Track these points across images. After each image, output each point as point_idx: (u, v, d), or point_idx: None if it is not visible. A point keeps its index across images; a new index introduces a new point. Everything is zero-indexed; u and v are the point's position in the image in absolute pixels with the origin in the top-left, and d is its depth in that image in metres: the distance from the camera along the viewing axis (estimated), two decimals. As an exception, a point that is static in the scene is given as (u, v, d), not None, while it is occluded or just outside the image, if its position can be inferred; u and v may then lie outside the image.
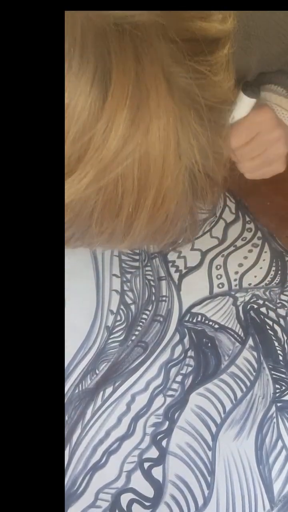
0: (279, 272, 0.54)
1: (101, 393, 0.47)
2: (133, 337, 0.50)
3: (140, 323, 0.51)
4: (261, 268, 0.54)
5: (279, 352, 0.49)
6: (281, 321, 0.51)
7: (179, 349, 0.49)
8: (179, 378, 0.48)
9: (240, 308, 0.52)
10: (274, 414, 0.46)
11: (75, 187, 0.28)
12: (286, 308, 0.52)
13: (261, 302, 0.52)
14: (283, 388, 0.47)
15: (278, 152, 0.49)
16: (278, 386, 0.47)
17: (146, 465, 0.44)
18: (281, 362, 0.48)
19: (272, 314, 0.51)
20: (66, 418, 0.46)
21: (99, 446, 0.45)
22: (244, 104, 0.45)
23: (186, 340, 0.50)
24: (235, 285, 0.53)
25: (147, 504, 0.42)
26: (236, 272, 0.54)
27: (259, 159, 0.49)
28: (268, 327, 0.50)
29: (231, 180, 0.59)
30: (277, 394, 0.47)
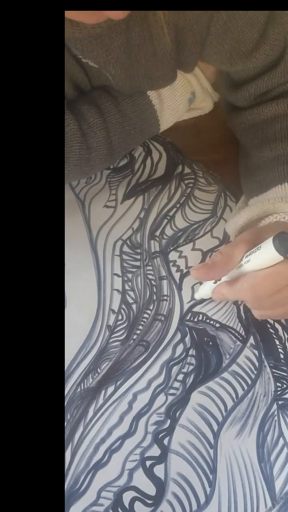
0: (280, 272, 0.54)
1: (103, 392, 0.47)
2: (135, 336, 0.50)
3: (142, 322, 0.51)
4: (262, 267, 0.54)
5: (280, 350, 0.49)
6: (282, 320, 0.51)
7: (180, 348, 0.50)
8: (180, 377, 0.48)
9: (241, 307, 0.52)
10: (276, 412, 0.46)
11: None
12: (287, 307, 0.52)
13: (262, 301, 0.52)
14: (284, 386, 0.47)
15: None
16: (280, 384, 0.47)
17: (148, 463, 0.44)
18: (282, 360, 0.49)
19: (273, 313, 0.51)
20: (68, 417, 0.46)
21: (101, 445, 0.45)
22: (272, 257, 0.40)
23: (187, 339, 0.50)
24: (236, 285, 0.53)
25: (149, 502, 0.42)
26: (237, 272, 0.54)
27: (281, 310, 0.45)
28: (269, 326, 0.51)
29: (231, 179, 0.59)
30: (279, 392, 0.47)
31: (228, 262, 0.44)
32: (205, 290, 0.49)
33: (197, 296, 0.52)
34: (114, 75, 0.49)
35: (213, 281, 0.47)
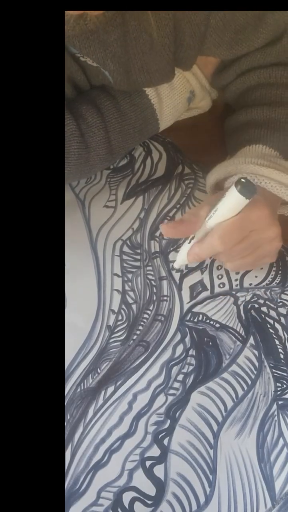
0: (280, 272, 0.54)
1: (103, 392, 0.47)
2: (135, 337, 0.50)
3: (142, 323, 0.51)
4: (261, 268, 0.54)
5: (280, 350, 0.49)
6: (282, 320, 0.51)
7: (180, 348, 0.50)
8: (180, 377, 0.48)
9: (241, 307, 0.52)
10: (276, 412, 0.46)
11: None
12: (286, 307, 0.52)
13: (262, 301, 0.52)
14: (284, 386, 0.47)
15: (272, 249, 0.48)
16: (279, 384, 0.47)
17: (148, 463, 0.44)
18: (282, 361, 0.49)
19: (273, 313, 0.51)
20: (68, 417, 0.46)
21: (101, 445, 0.45)
22: (237, 203, 0.42)
23: (187, 339, 0.50)
24: (236, 285, 0.53)
25: (149, 502, 0.42)
26: (237, 272, 0.54)
27: (250, 257, 0.48)
28: (269, 326, 0.51)
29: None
30: (278, 392, 0.47)
31: (195, 220, 0.47)
32: (182, 256, 0.51)
33: (176, 265, 0.53)
34: (113, 71, 0.49)
35: (188, 246, 0.49)
